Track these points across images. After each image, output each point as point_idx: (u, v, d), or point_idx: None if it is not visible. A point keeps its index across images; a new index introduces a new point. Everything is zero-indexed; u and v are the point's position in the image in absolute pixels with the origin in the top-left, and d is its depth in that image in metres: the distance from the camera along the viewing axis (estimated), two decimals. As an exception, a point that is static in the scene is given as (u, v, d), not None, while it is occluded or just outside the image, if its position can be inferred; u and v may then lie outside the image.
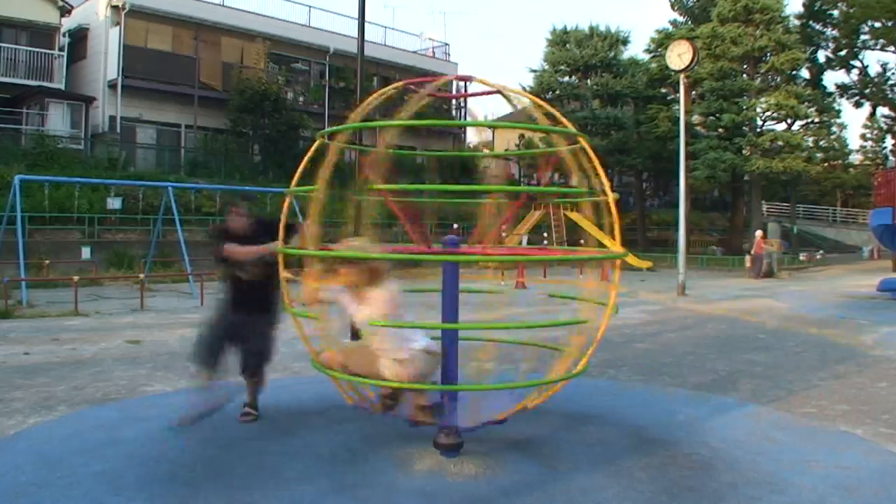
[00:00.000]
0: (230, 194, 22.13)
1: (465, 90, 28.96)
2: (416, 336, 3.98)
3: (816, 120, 30.20)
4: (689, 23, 33.33)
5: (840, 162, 38.91)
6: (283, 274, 4.37)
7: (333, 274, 4.01)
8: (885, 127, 41.32)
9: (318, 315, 4.12)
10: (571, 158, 4.05)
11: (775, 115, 28.75)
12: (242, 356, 4.71)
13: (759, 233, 23.06)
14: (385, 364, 3.91)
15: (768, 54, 28.33)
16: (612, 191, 4.28)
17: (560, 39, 32.45)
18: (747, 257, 23.71)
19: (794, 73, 29.53)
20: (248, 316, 4.67)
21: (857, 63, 35.86)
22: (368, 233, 4.53)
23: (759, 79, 29.34)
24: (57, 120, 23.49)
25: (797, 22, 33.29)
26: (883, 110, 39.65)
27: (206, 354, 4.57)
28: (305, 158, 4.27)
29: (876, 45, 34.03)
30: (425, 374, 3.94)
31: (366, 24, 8.71)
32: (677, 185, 19.30)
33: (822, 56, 35.51)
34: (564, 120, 4.43)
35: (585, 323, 4.27)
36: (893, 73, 36.18)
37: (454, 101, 32.78)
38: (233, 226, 4.74)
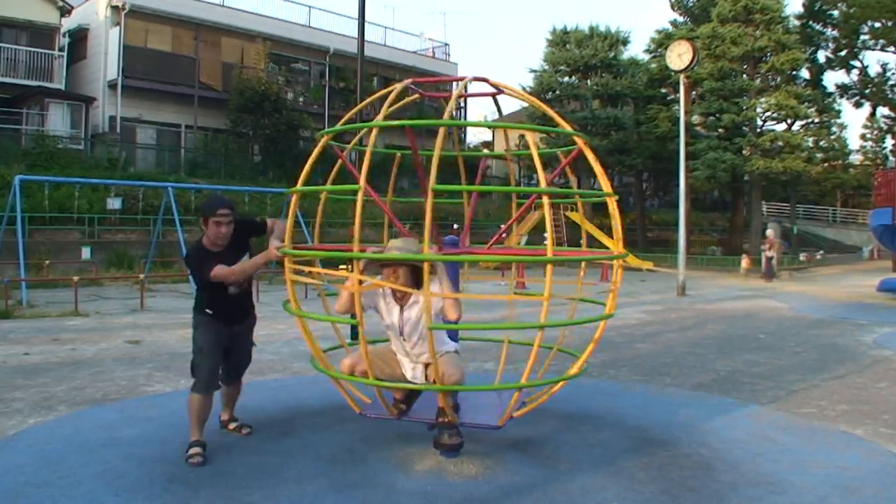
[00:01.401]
0: (230, 194, 22.21)
1: (465, 90, 28.92)
2: (447, 339, 4.10)
3: (816, 120, 30.17)
4: (689, 23, 33.30)
5: (840, 162, 38.88)
6: (290, 276, 4.21)
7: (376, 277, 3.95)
8: (885, 127, 41.32)
9: (319, 315, 4.11)
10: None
11: (775, 115, 28.72)
12: (234, 366, 4.48)
13: (769, 232, 22.67)
14: (416, 366, 4.01)
15: (768, 54, 28.29)
16: (613, 191, 4.30)
17: (560, 40, 32.43)
18: (744, 258, 23.08)
19: (794, 73, 29.48)
20: (241, 325, 4.42)
21: (857, 63, 35.89)
22: (410, 234, 4.52)
23: (759, 79, 29.30)
24: (57, 120, 23.49)
25: (797, 22, 33.27)
26: (883, 110, 39.67)
27: (211, 378, 4.23)
28: (311, 159, 4.23)
29: (876, 45, 34.04)
30: (464, 375, 3.89)
31: (366, 25, 8.73)
32: (677, 185, 19.29)
33: (822, 56, 35.53)
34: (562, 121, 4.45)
35: (585, 323, 4.27)
36: (893, 73, 36.24)
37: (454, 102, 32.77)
38: (213, 238, 4.18)
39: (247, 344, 4.54)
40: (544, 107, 4.69)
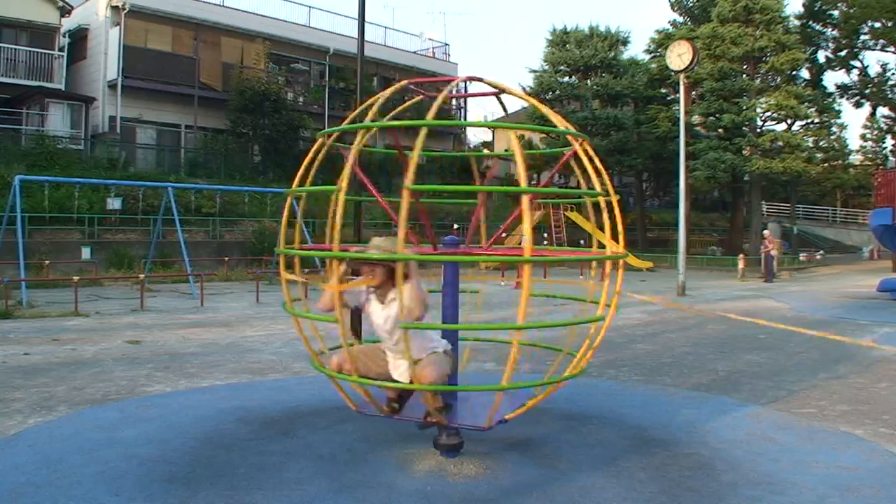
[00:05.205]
0: (230, 194, 22.21)
1: (465, 90, 28.96)
2: (437, 337, 3.99)
3: (816, 120, 30.15)
4: (689, 23, 33.28)
5: (840, 162, 38.83)
6: (284, 275, 4.29)
7: (356, 276, 3.91)
8: (885, 127, 41.26)
9: (318, 316, 4.10)
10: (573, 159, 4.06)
11: (775, 115, 28.70)
12: None
13: (767, 232, 22.57)
14: (400, 365, 3.88)
15: (768, 54, 28.28)
16: (613, 191, 4.29)
17: (560, 40, 32.43)
18: (740, 260, 22.75)
19: (794, 73, 29.46)
20: None
21: (857, 63, 35.85)
22: (393, 233, 4.46)
23: (759, 79, 29.29)
24: (57, 120, 23.49)
25: (797, 22, 33.24)
26: (883, 110, 39.62)
27: None
28: (307, 159, 4.24)
29: (876, 45, 34.01)
30: (447, 375, 3.80)
31: (366, 25, 8.72)
32: (677, 185, 19.29)
33: (822, 56, 35.48)
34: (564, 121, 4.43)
35: (587, 323, 4.26)
36: (893, 73, 36.16)
37: (454, 102, 32.79)
38: None
39: None
40: (543, 108, 4.68)
